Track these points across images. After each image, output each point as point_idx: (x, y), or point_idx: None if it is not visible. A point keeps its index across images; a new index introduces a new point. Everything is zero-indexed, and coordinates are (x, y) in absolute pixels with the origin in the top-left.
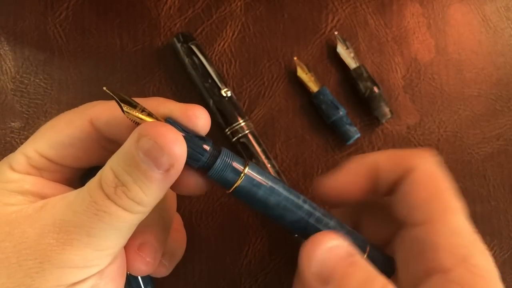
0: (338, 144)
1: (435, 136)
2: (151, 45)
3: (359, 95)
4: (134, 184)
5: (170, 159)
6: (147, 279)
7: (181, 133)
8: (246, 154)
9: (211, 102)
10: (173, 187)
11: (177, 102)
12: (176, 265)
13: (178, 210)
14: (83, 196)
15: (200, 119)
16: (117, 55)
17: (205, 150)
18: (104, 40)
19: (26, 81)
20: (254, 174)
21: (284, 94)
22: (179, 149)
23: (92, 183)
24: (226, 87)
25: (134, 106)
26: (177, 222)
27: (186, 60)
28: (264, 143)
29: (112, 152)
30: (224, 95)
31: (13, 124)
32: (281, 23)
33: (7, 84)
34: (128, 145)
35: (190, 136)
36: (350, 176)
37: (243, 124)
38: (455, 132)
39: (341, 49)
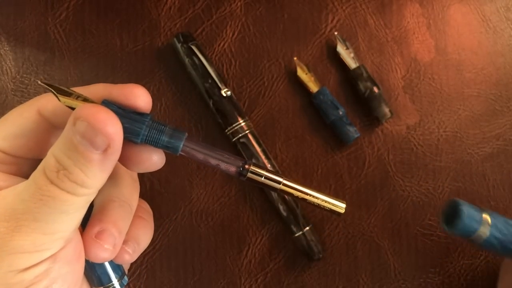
0: (338, 144)
1: (435, 136)
2: (151, 45)
3: (359, 95)
4: (74, 166)
5: (105, 139)
6: (113, 265)
7: (116, 112)
8: (246, 154)
9: (211, 102)
10: (127, 165)
11: (117, 84)
12: (176, 265)
13: (178, 210)
14: (29, 184)
15: (138, 96)
16: (117, 55)
17: (142, 123)
18: (104, 40)
19: (26, 81)
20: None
21: (284, 94)
22: (112, 128)
23: (37, 171)
24: (226, 87)
25: (69, 94)
26: (143, 210)
27: (186, 60)
28: (264, 143)
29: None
30: (224, 95)
31: None
32: (281, 23)
33: (8, 84)
34: (66, 130)
35: (125, 112)
36: None
37: (243, 124)
38: (455, 132)
39: (341, 49)
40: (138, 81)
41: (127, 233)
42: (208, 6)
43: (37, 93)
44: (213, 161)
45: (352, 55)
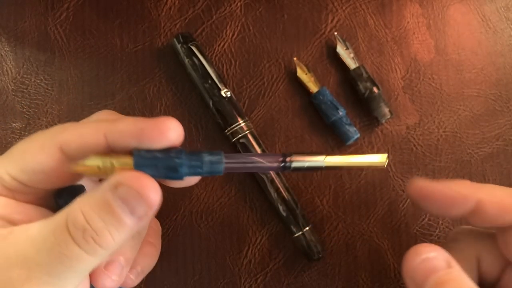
0: (338, 144)
1: (435, 136)
2: (151, 46)
3: (359, 96)
4: (104, 229)
5: (146, 208)
6: None
7: (153, 175)
8: None
9: (211, 102)
10: (165, 183)
11: (147, 119)
12: (176, 265)
13: (178, 210)
14: (47, 236)
15: (172, 130)
16: (117, 55)
17: (180, 170)
18: (104, 41)
19: (27, 82)
20: None
21: (284, 95)
22: (154, 196)
23: (57, 222)
24: (226, 87)
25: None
26: (152, 232)
27: (186, 60)
28: (264, 144)
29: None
30: (224, 95)
31: (14, 124)
32: (281, 24)
33: (8, 84)
34: (102, 191)
35: (161, 169)
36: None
37: (243, 124)
38: (455, 132)
39: (340, 50)
40: (138, 82)
41: (134, 260)
42: (208, 6)
43: (37, 94)
44: (255, 167)
45: (352, 55)
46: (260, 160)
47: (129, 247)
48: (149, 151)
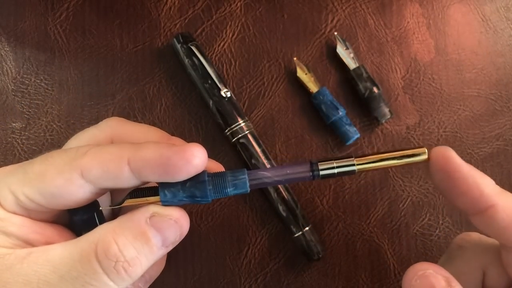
0: (338, 145)
1: (435, 136)
2: (151, 46)
3: (359, 96)
4: (137, 259)
5: (178, 237)
6: None
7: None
8: (246, 155)
9: (211, 102)
10: None
11: (171, 145)
12: (176, 265)
13: None
14: (71, 263)
15: (197, 158)
16: (117, 55)
17: (206, 196)
18: (104, 41)
19: (27, 82)
20: None
21: (284, 95)
22: (187, 226)
23: (84, 251)
24: (226, 87)
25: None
26: None
27: (186, 60)
28: (264, 144)
29: (101, 194)
30: (224, 95)
31: (14, 124)
32: (280, 24)
33: (8, 84)
34: (137, 220)
35: (189, 197)
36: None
37: (242, 124)
38: (455, 132)
39: (340, 50)
40: (138, 82)
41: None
42: (208, 6)
43: (37, 94)
44: (282, 179)
45: (352, 55)
46: (286, 174)
47: None
48: (175, 193)
